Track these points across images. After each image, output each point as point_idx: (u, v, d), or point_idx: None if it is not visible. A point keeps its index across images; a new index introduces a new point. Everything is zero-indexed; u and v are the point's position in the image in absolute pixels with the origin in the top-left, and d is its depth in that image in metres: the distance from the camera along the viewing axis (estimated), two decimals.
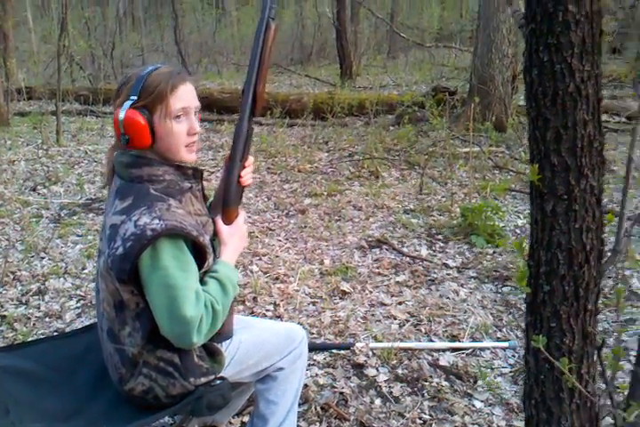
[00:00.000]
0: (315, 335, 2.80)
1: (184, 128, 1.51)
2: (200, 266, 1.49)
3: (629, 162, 1.15)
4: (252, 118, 1.69)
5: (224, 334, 1.64)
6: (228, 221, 1.67)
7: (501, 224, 4.05)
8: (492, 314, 3.01)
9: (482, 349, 2.69)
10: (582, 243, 1.11)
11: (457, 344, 2.72)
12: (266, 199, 4.78)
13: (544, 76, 1.08)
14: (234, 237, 1.65)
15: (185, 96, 1.50)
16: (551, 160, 1.09)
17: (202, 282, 1.50)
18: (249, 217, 4.31)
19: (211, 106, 7.82)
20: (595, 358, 1.18)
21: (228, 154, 1.69)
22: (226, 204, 1.66)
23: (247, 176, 1.69)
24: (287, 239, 3.97)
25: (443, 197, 4.74)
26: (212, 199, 1.78)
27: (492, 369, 2.55)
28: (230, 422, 2.19)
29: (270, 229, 4.13)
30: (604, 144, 1.10)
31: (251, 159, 1.71)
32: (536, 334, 1.07)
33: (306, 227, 4.16)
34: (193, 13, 18.07)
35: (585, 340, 1.15)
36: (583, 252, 1.11)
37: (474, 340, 2.78)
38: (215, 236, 1.64)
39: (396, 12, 15.83)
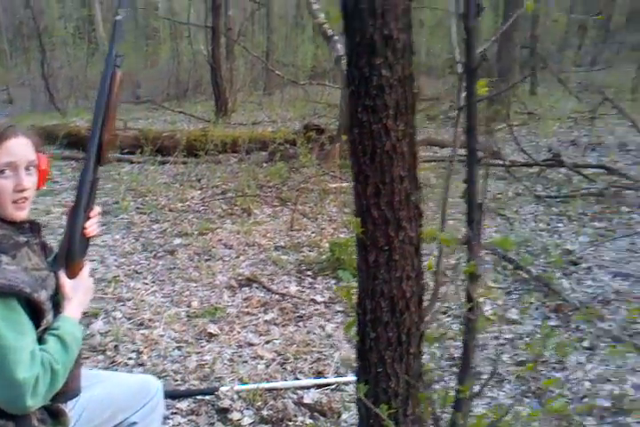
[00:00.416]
0: (179, 382, 2.74)
1: (9, 184, 1.45)
2: (37, 324, 1.43)
3: (444, 205, 1.25)
4: (98, 167, 1.66)
5: (69, 392, 1.57)
6: (72, 274, 1.62)
7: None
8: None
9: (346, 383, 2.75)
10: (403, 291, 1.19)
11: (321, 380, 2.76)
12: (133, 240, 4.65)
13: (363, 135, 1.16)
14: (78, 290, 1.60)
15: (14, 150, 1.45)
16: (372, 214, 1.16)
17: (41, 340, 1.44)
18: (114, 260, 4.18)
19: (78, 143, 7.54)
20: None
21: (71, 204, 1.64)
22: (69, 257, 1.62)
23: (92, 227, 1.66)
24: (154, 282, 3.88)
25: (313, 232, 4.84)
26: (57, 251, 1.72)
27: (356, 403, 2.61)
28: None
29: (137, 272, 4.02)
30: (420, 197, 1.19)
31: (97, 209, 1.68)
32: (365, 379, 1.12)
33: (175, 268, 4.09)
34: (64, 47, 17.46)
35: (409, 382, 1.22)
36: (404, 299, 1.19)
37: (338, 375, 2.83)
38: (58, 290, 1.58)
39: (272, 50, 16.17)
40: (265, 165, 6.81)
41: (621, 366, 2.89)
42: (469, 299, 1.17)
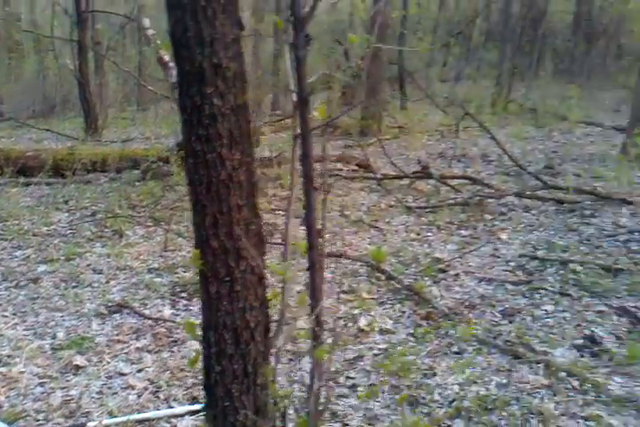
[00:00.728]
0: (41, 422, 2.57)
1: None
2: None
3: (287, 232, 1.25)
4: None
5: None
6: None
7: None
8: None
9: None
10: (246, 321, 1.18)
11: (195, 407, 2.69)
12: None
13: (198, 164, 1.14)
14: None
15: None
16: (211, 244, 1.15)
17: None
18: None
19: None
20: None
21: None
22: None
23: None
24: (15, 314, 3.63)
25: (188, 252, 4.73)
26: None
27: None
28: None
29: None
30: (261, 225, 1.19)
31: None
32: (213, 414, 1.10)
33: (38, 297, 3.85)
34: None
35: (258, 414, 1.21)
36: (248, 330, 1.18)
37: None
38: None
39: (144, 65, 15.77)
40: (137, 184, 6.60)
41: (486, 367, 3.04)
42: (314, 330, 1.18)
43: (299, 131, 1.16)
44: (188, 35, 1.09)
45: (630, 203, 5.29)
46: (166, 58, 2.93)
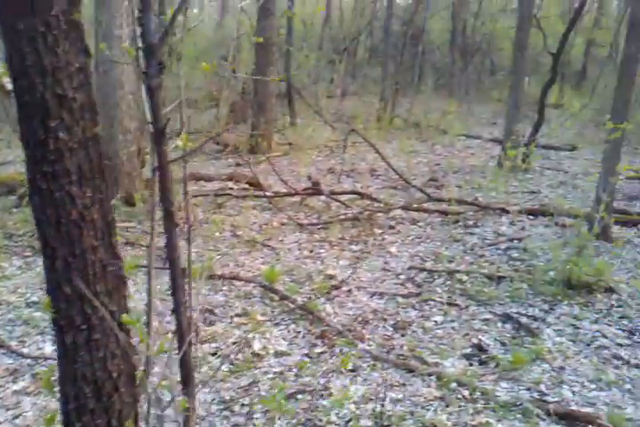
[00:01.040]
0: None
1: None
2: None
3: (150, 275, 1.18)
4: None
5: None
6: None
7: (131, 304, 3.97)
8: None
9: None
10: (108, 371, 1.10)
11: None
12: None
13: (45, 204, 1.05)
14: None
15: None
16: (64, 290, 1.06)
17: None
18: None
19: None
20: None
21: None
22: None
23: None
24: None
25: None
26: None
27: None
28: None
29: None
30: (120, 266, 1.11)
31: None
32: None
33: None
34: None
35: None
36: (110, 380, 1.10)
37: None
38: None
39: None
40: (14, 210, 6.20)
41: (381, 383, 3.06)
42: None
43: (156, 164, 1.10)
44: (26, 63, 1.00)
45: (508, 212, 5.57)
46: (9, 86, 2.73)
